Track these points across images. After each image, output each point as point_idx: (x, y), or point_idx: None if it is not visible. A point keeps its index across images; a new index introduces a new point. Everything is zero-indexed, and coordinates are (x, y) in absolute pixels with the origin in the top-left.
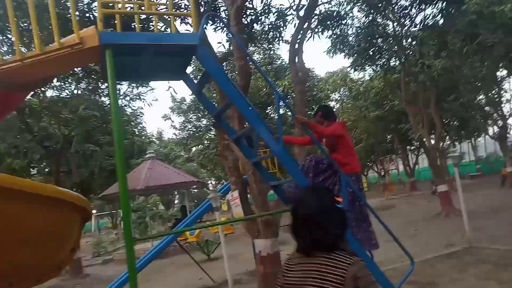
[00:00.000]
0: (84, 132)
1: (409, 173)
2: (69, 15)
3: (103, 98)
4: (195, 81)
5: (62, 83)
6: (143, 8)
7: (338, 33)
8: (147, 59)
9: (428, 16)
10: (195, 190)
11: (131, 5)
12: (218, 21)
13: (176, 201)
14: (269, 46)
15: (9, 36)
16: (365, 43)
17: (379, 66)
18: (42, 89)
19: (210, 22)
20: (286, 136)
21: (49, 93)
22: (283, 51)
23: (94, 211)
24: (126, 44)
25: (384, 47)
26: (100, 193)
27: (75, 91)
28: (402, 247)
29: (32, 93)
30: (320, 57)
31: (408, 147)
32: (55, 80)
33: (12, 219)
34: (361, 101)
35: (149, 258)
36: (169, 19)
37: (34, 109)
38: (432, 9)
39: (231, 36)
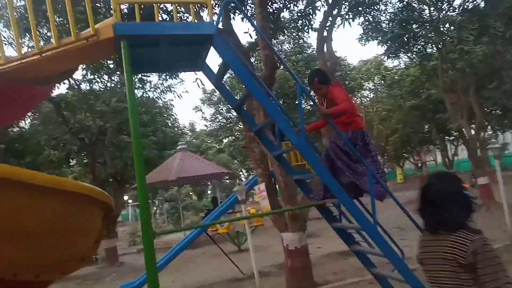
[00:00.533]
0: (118, 124)
1: (447, 164)
2: (96, 7)
3: (135, 91)
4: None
5: (96, 76)
6: None
7: (370, 19)
8: (164, 50)
9: None
10: (227, 181)
11: None
12: (238, 10)
13: (209, 192)
14: (298, 35)
15: (40, 30)
16: (400, 29)
17: (414, 53)
18: (77, 82)
19: (237, 11)
20: (309, 125)
21: (83, 86)
22: (313, 40)
23: (130, 201)
24: (141, 35)
25: (419, 33)
26: (134, 183)
27: (108, 84)
28: None
29: (68, 85)
30: (353, 45)
31: (446, 137)
32: (89, 73)
33: (30, 212)
34: (396, 90)
35: (177, 251)
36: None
37: (69, 102)
38: None
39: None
